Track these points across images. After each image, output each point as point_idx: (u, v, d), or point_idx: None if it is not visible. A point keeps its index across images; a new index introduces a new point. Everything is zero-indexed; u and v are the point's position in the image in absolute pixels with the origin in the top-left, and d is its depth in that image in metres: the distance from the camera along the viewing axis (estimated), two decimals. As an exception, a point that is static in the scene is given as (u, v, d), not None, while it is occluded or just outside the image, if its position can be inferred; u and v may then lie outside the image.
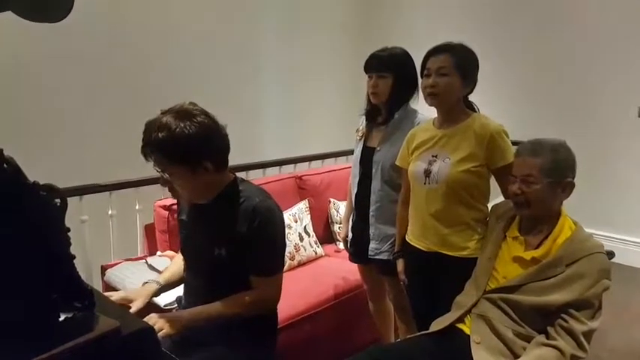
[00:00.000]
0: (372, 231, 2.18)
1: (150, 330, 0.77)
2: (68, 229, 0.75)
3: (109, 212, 2.74)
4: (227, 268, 1.59)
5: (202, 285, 1.67)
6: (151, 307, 2.02)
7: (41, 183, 0.73)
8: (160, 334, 1.43)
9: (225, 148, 1.58)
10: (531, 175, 1.59)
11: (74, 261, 0.81)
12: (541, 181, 1.58)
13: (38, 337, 0.73)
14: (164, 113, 1.48)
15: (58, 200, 0.74)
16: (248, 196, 1.58)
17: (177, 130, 1.43)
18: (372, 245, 2.18)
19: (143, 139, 1.47)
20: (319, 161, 3.83)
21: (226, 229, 1.56)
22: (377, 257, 2.18)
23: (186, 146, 1.44)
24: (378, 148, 2.15)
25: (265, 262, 1.60)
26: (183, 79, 3.81)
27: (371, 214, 2.18)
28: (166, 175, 1.51)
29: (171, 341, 1.56)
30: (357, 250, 2.30)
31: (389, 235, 2.14)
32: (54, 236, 0.74)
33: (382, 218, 2.15)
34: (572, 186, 1.61)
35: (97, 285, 2.61)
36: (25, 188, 0.70)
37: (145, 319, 1.39)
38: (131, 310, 1.58)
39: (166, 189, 1.62)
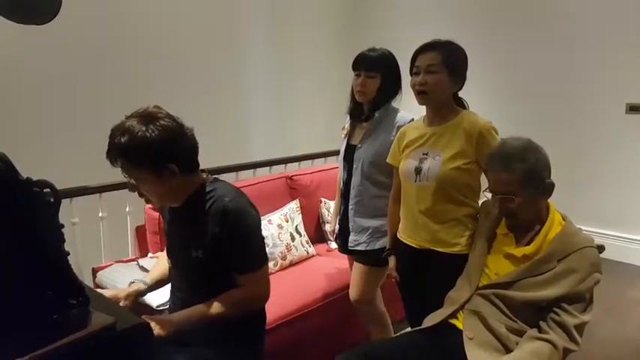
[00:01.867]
0: (351, 224, 2.25)
1: (145, 326, 0.77)
2: (62, 226, 0.75)
3: (100, 214, 2.73)
4: (205, 269, 1.59)
5: (185, 286, 1.68)
6: (143, 307, 2.02)
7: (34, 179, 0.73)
8: None
9: (192, 151, 1.56)
10: (510, 192, 1.59)
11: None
12: (521, 193, 1.57)
13: (34, 333, 0.72)
14: (128, 118, 1.47)
15: (51, 196, 0.74)
16: (218, 197, 1.57)
17: (140, 133, 1.42)
18: (352, 237, 2.25)
19: (108, 145, 1.46)
20: (309, 161, 3.83)
21: (199, 231, 1.56)
22: (356, 248, 2.24)
23: (150, 150, 1.42)
24: (359, 145, 2.20)
25: (246, 259, 1.59)
26: (171, 80, 3.81)
27: (350, 207, 2.24)
28: (132, 181, 1.51)
29: (161, 343, 1.55)
30: (343, 241, 2.35)
31: (366, 227, 2.20)
32: (47, 233, 0.74)
33: (360, 212, 2.21)
34: (552, 186, 1.61)
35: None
36: (18, 184, 0.70)
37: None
38: None
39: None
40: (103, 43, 3.46)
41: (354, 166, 2.20)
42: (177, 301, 1.69)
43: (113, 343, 0.74)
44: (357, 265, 2.29)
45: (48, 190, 0.74)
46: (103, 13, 3.47)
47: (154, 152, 1.44)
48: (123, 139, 1.42)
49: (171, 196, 1.58)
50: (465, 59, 1.85)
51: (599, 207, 4.17)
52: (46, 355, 0.69)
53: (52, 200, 0.74)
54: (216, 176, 1.71)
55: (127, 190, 2.68)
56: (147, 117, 1.46)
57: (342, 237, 2.33)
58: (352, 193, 2.22)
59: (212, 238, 1.54)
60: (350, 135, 2.29)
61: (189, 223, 1.60)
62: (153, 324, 1.47)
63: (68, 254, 0.77)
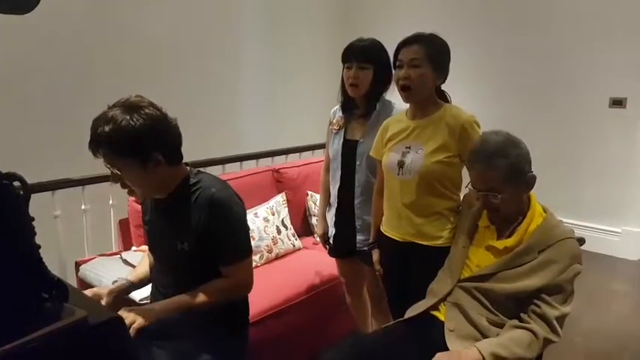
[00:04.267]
0: (358, 223, 2.17)
1: (117, 320, 0.77)
2: (32, 219, 0.74)
3: (83, 207, 2.70)
4: (191, 261, 1.58)
5: (170, 280, 1.67)
6: (125, 301, 2.01)
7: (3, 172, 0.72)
8: (133, 327, 1.42)
9: (176, 140, 1.56)
10: (492, 188, 1.59)
11: (41, 252, 0.80)
12: (504, 189, 1.58)
13: (4, 327, 0.71)
14: (110, 107, 1.46)
15: (21, 189, 0.73)
16: (204, 188, 1.57)
17: (124, 122, 1.41)
18: (360, 237, 2.17)
19: (90, 135, 1.44)
20: (296, 154, 3.82)
21: (186, 222, 1.55)
22: (365, 249, 2.16)
23: (134, 138, 1.42)
24: (362, 140, 2.13)
25: (231, 250, 1.59)
26: (161, 73, 3.77)
27: (356, 206, 2.16)
28: (116, 171, 1.49)
29: (144, 334, 1.54)
30: (341, 244, 2.28)
31: None
32: (18, 225, 0.73)
33: (368, 209, 2.13)
34: (533, 179, 1.61)
35: (71, 281, 2.57)
36: (-13, 177, 0.69)
37: (117, 314, 1.38)
38: None
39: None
40: (89, 35, 3.42)
41: (357, 163, 2.13)
42: (160, 297, 1.68)
43: (85, 337, 0.73)
44: (365, 268, 2.21)
45: (17, 182, 0.72)
46: (93, 5, 3.43)
47: (139, 141, 1.42)
48: (107, 128, 1.40)
49: (156, 187, 1.57)
50: (448, 52, 1.84)
51: (581, 200, 4.23)
52: (16, 349, 0.69)
53: (21, 192, 0.73)
54: (199, 169, 1.70)
55: (110, 182, 2.68)
56: (130, 106, 1.44)
57: (343, 240, 2.24)
58: (357, 190, 2.15)
59: (198, 229, 1.54)
60: (345, 130, 2.21)
61: (174, 215, 1.59)
62: (133, 315, 1.46)
63: (40, 247, 0.76)
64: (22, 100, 3.16)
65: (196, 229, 1.54)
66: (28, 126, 3.18)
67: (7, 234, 0.71)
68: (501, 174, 1.56)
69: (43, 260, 0.76)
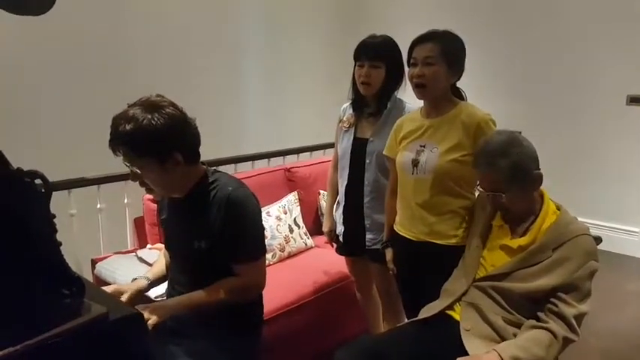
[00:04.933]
0: (367, 222, 2.16)
1: (137, 316, 0.78)
2: (54, 216, 0.75)
3: (98, 206, 2.73)
4: (208, 260, 1.59)
5: (186, 279, 1.68)
6: (141, 299, 2.03)
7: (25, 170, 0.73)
8: (148, 323, 1.43)
9: (196, 140, 1.56)
10: (498, 189, 1.58)
11: (62, 250, 0.81)
12: (509, 189, 1.57)
13: (26, 323, 0.72)
14: (131, 106, 1.46)
15: (42, 187, 0.74)
16: (221, 186, 1.57)
17: (145, 121, 1.41)
18: (369, 236, 2.17)
19: (110, 133, 1.45)
20: (308, 153, 3.83)
21: (203, 221, 1.56)
22: (374, 247, 2.16)
23: (155, 138, 1.42)
24: (372, 139, 2.12)
25: (246, 249, 1.60)
26: (170, 72, 3.79)
27: (365, 205, 2.15)
28: (135, 169, 1.50)
29: (160, 332, 1.56)
30: (350, 242, 2.28)
31: (384, 223, 2.11)
32: (39, 223, 0.74)
33: (377, 208, 2.12)
34: (540, 177, 1.59)
35: (87, 278, 2.60)
36: (9, 175, 0.70)
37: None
38: None
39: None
40: (101, 35, 3.44)
41: (367, 161, 2.12)
42: (176, 294, 1.69)
43: (105, 333, 0.74)
44: (374, 267, 2.22)
45: (39, 180, 0.73)
46: (104, 6, 3.46)
47: (160, 140, 1.43)
48: (128, 127, 1.41)
49: (175, 186, 1.58)
50: (463, 49, 1.83)
51: (599, 199, 4.17)
52: (38, 344, 0.70)
53: (43, 190, 0.74)
54: (215, 168, 1.71)
55: (125, 181, 2.72)
56: (151, 105, 1.45)
57: (352, 238, 2.24)
58: (366, 189, 2.14)
59: (215, 227, 1.54)
60: (355, 128, 2.20)
61: (191, 214, 1.60)
62: (148, 311, 1.47)
63: (60, 244, 0.77)
64: (38, 99, 3.19)
65: (213, 228, 1.54)
66: (44, 125, 3.21)
67: (29, 231, 0.72)
68: (504, 174, 1.55)
69: (64, 257, 0.77)
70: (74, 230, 2.63)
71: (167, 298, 1.78)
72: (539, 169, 1.60)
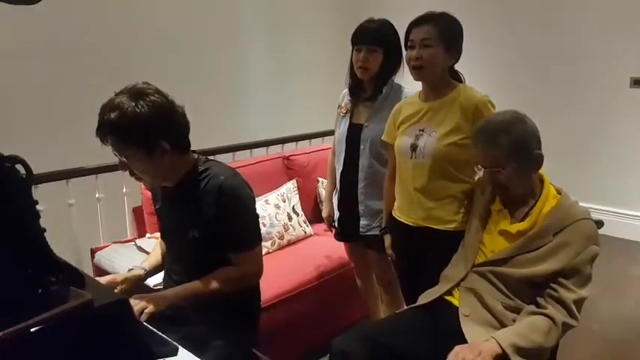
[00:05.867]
0: (361, 208, 2.16)
1: (123, 302, 0.76)
2: (36, 202, 0.74)
3: (97, 195, 2.72)
4: (202, 249, 1.58)
5: (182, 268, 1.67)
6: (139, 288, 2.03)
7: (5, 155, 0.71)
8: (145, 312, 1.43)
9: (183, 128, 1.54)
10: (496, 165, 1.56)
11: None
12: (508, 165, 1.54)
13: (10, 310, 0.71)
14: (117, 94, 1.45)
15: (23, 172, 0.73)
16: (213, 175, 1.56)
17: (130, 109, 1.40)
18: (363, 222, 2.17)
19: (98, 122, 1.44)
20: (307, 141, 3.80)
21: (196, 210, 1.55)
22: (368, 233, 2.16)
23: (139, 125, 1.41)
24: (366, 124, 2.11)
25: (241, 238, 1.59)
26: (169, 63, 3.76)
27: (360, 191, 2.15)
28: (123, 158, 1.49)
29: (157, 319, 1.55)
30: (346, 228, 2.28)
31: (378, 210, 2.12)
32: (22, 208, 0.73)
33: (371, 195, 2.13)
34: (541, 157, 1.57)
35: (87, 268, 2.61)
36: (-12, 160, 0.68)
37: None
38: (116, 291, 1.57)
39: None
40: (101, 27, 3.42)
41: (361, 147, 2.12)
42: (172, 284, 1.68)
43: (90, 320, 0.73)
44: (371, 253, 2.22)
45: (19, 165, 0.72)
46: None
47: (145, 128, 1.42)
48: (113, 116, 1.40)
49: (163, 175, 1.56)
50: (461, 31, 1.81)
51: (601, 183, 4.13)
52: (21, 331, 0.68)
53: (24, 175, 0.73)
54: (209, 157, 1.69)
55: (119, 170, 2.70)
56: (136, 93, 1.43)
57: (347, 224, 2.24)
58: (361, 175, 2.14)
59: (208, 216, 1.53)
60: (351, 113, 2.19)
61: (184, 203, 1.59)
62: (145, 301, 1.47)
63: (44, 230, 0.75)
64: (36, 89, 3.17)
65: (206, 217, 1.53)
66: (42, 115, 3.20)
67: (10, 216, 0.71)
68: (505, 149, 1.53)
69: (49, 244, 0.76)
70: (73, 220, 2.63)
71: (164, 287, 1.77)
72: (541, 151, 1.57)
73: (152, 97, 1.44)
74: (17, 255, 0.73)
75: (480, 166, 1.63)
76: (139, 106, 1.40)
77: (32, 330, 0.69)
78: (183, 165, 1.58)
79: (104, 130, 1.43)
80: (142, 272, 1.74)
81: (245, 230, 1.59)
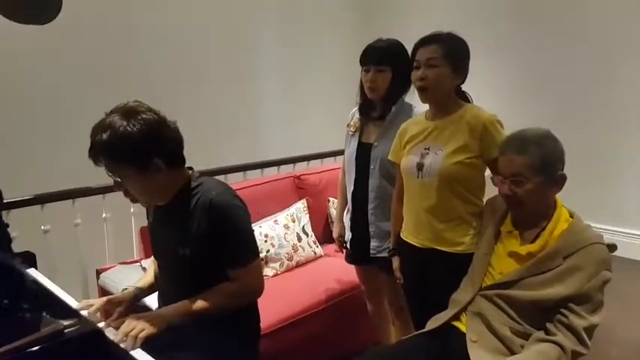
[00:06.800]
0: (372, 229, 2.12)
1: (97, 332, 0.73)
2: (7, 225, 0.71)
3: (103, 215, 2.72)
4: (193, 267, 1.54)
5: (173, 287, 1.63)
6: (140, 308, 1.99)
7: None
8: (140, 336, 1.37)
9: (176, 144, 1.52)
10: (521, 175, 1.52)
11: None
12: (532, 180, 1.51)
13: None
14: (108, 114, 1.44)
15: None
16: (204, 191, 1.53)
17: (122, 129, 1.38)
18: (374, 244, 2.12)
19: (90, 143, 1.42)
20: (318, 161, 3.78)
21: (186, 227, 1.52)
22: (379, 255, 2.11)
23: (132, 145, 1.39)
24: (376, 144, 2.08)
25: (237, 253, 1.55)
26: (179, 78, 3.80)
27: (370, 212, 2.11)
28: (117, 179, 1.47)
29: (155, 344, 1.50)
30: (358, 250, 2.22)
31: (389, 231, 2.06)
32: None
33: (382, 215, 2.08)
34: (564, 178, 1.54)
35: (92, 289, 2.59)
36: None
37: (124, 323, 1.35)
38: (91, 310, 1.50)
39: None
40: (108, 42, 3.46)
41: (371, 167, 2.09)
42: (163, 303, 1.65)
43: (62, 349, 0.70)
44: (382, 276, 2.16)
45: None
46: (109, 13, 3.47)
47: (137, 147, 1.40)
48: (104, 136, 1.38)
49: (158, 193, 1.55)
50: (467, 51, 1.78)
51: (620, 204, 4.01)
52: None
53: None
54: (201, 171, 1.67)
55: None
56: (128, 112, 1.42)
57: (358, 245, 2.19)
58: (371, 195, 2.10)
59: (199, 233, 1.50)
60: (361, 132, 2.17)
61: (174, 221, 1.57)
62: (142, 323, 1.40)
63: (15, 255, 0.72)
64: (43, 108, 3.21)
65: (197, 234, 1.50)
66: (49, 135, 3.22)
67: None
68: (532, 161, 1.51)
69: (21, 268, 0.73)
70: (79, 240, 2.62)
71: (158, 306, 1.73)
72: (564, 172, 1.55)
73: (143, 115, 1.42)
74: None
75: (497, 177, 1.59)
76: (131, 125, 1.39)
77: (5, 358, 0.66)
78: (177, 182, 1.56)
79: (96, 150, 1.41)
80: (134, 292, 1.69)
81: (241, 245, 1.56)
